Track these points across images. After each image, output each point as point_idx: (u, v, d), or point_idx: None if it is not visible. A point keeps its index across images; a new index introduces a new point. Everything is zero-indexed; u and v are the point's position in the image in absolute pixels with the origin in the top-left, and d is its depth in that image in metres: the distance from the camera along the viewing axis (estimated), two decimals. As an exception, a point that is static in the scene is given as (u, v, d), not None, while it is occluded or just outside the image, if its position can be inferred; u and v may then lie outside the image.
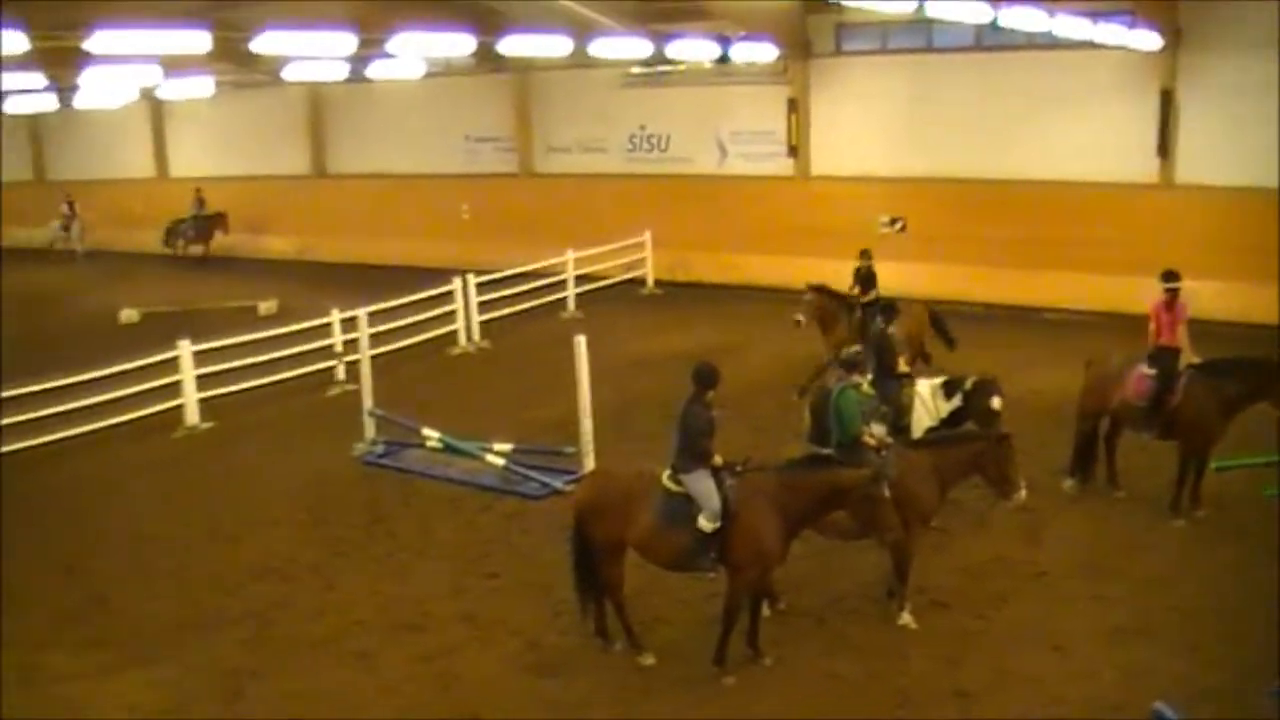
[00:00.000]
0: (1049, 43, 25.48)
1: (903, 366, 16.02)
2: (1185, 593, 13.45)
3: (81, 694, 12.50)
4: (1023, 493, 12.92)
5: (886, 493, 11.76)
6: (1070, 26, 22.38)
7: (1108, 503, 16.16)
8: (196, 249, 41.33)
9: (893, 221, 30.00)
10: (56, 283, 38.22)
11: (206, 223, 40.95)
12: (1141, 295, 17.20)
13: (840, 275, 27.32)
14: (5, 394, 19.65)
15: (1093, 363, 16.64)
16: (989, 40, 28.20)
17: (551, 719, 11.65)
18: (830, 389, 13.58)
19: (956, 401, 15.62)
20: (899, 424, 15.20)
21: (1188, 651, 12.10)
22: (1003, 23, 21.08)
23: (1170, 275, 15.74)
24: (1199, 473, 15.51)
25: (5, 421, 19.43)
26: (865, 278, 21.69)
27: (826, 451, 12.84)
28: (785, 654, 12.48)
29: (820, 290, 21.67)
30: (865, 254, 21.92)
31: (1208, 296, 21.39)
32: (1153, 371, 15.56)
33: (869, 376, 13.81)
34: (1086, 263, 26.70)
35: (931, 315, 21.10)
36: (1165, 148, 26.58)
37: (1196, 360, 15.49)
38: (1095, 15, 23.22)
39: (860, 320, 20.98)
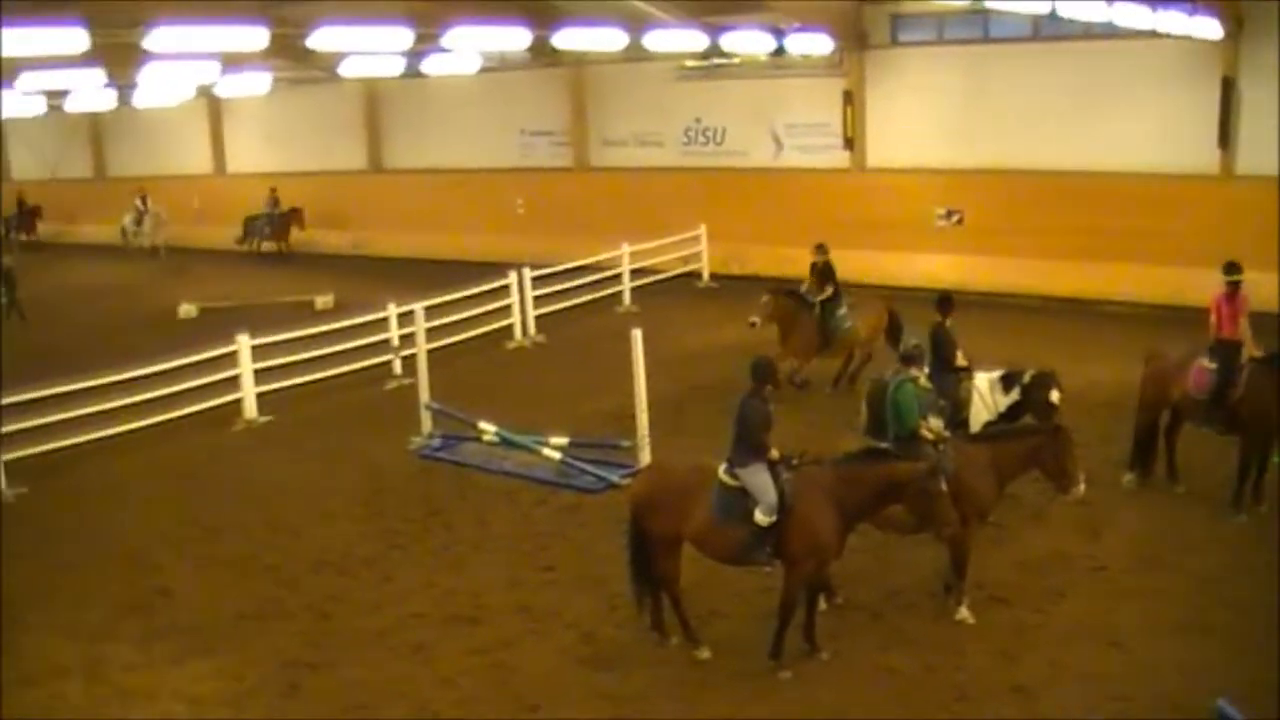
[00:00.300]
0: (1108, 32, 25.18)
1: (960, 360, 15.89)
2: (1247, 589, 13.27)
3: (144, 685, 12.64)
4: (1081, 487, 12.80)
5: (944, 487, 11.71)
6: (1130, 15, 22.10)
7: (1168, 497, 16.00)
8: (271, 245, 41.25)
9: (949, 214, 29.82)
10: (116, 278, 38.61)
11: (282, 219, 40.90)
12: (1202, 287, 17.01)
13: (900, 268, 27.33)
14: (65, 388, 19.88)
15: (1153, 356, 16.44)
16: (1047, 30, 27.96)
17: (608, 713, 11.65)
18: (887, 381, 13.51)
19: (1015, 395, 15.50)
20: (956, 418, 15.11)
21: (1250, 648, 11.94)
22: (1061, 12, 20.87)
23: (1232, 267, 15.56)
24: (1261, 467, 15.32)
25: (66, 415, 19.65)
26: (822, 272, 21.29)
27: (883, 445, 12.77)
28: (842, 648, 12.44)
29: (777, 294, 21.39)
30: (821, 248, 21.51)
31: (1269, 289, 21.14)
32: (1213, 365, 15.38)
33: (926, 370, 13.74)
34: (1146, 254, 26.40)
35: (891, 315, 20.86)
36: (1226, 138, 26.25)
37: (1258, 353, 15.28)
38: (1155, 3, 22.94)
39: (819, 317, 20.91)
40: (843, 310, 21.02)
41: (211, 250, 41.85)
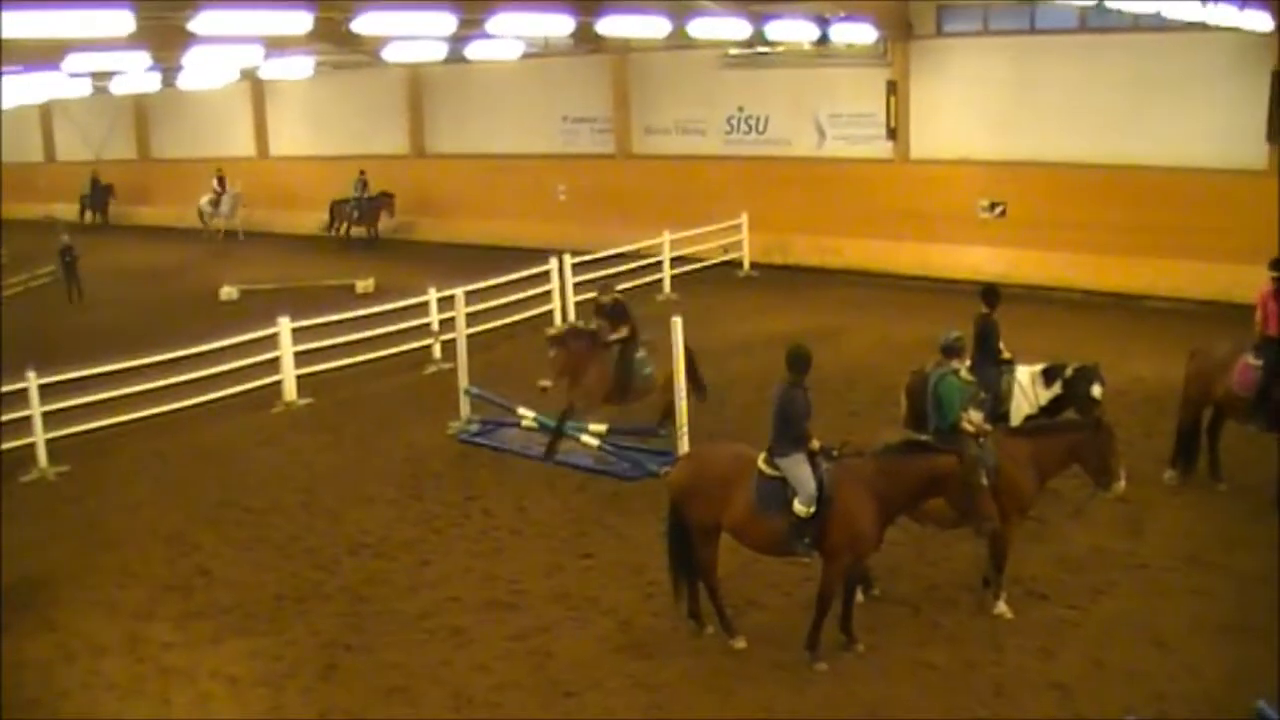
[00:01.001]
0: (1156, 25, 24.98)
1: (1006, 354, 15.79)
2: (1290, 588, 13.17)
3: (182, 663, 12.73)
4: (1122, 483, 12.72)
5: (985, 481, 11.64)
6: (1179, 8, 21.88)
7: (1210, 495, 15.87)
8: (360, 231, 39.66)
9: (993, 206, 29.64)
10: (161, 259, 38.80)
11: (371, 204, 39.34)
12: (1249, 284, 16.85)
13: (943, 260, 27.17)
14: (107, 368, 20.02)
15: (1197, 352, 16.29)
16: (1094, 22, 27.75)
17: (643, 701, 11.65)
18: (928, 374, 13.44)
19: (1057, 389, 15.41)
20: (998, 411, 15.04)
21: (1292, 649, 11.85)
22: (1109, 4, 20.67)
23: (1279, 264, 15.40)
24: (1306, 466, 15.18)
25: (108, 395, 19.78)
26: (612, 313, 18.48)
27: (924, 438, 12.70)
28: (878, 641, 12.41)
29: (563, 340, 18.07)
30: (606, 287, 19.24)
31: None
32: (1259, 362, 15.26)
33: (968, 363, 13.65)
34: (1192, 250, 26.15)
35: (688, 358, 17.89)
36: (1276, 133, 25.89)
37: (1305, 350, 15.14)
38: (1206, -3, 22.71)
39: (616, 361, 18.12)
40: (641, 354, 18.31)
41: (256, 232, 41.98)
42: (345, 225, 39.87)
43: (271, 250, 39.46)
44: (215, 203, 42.18)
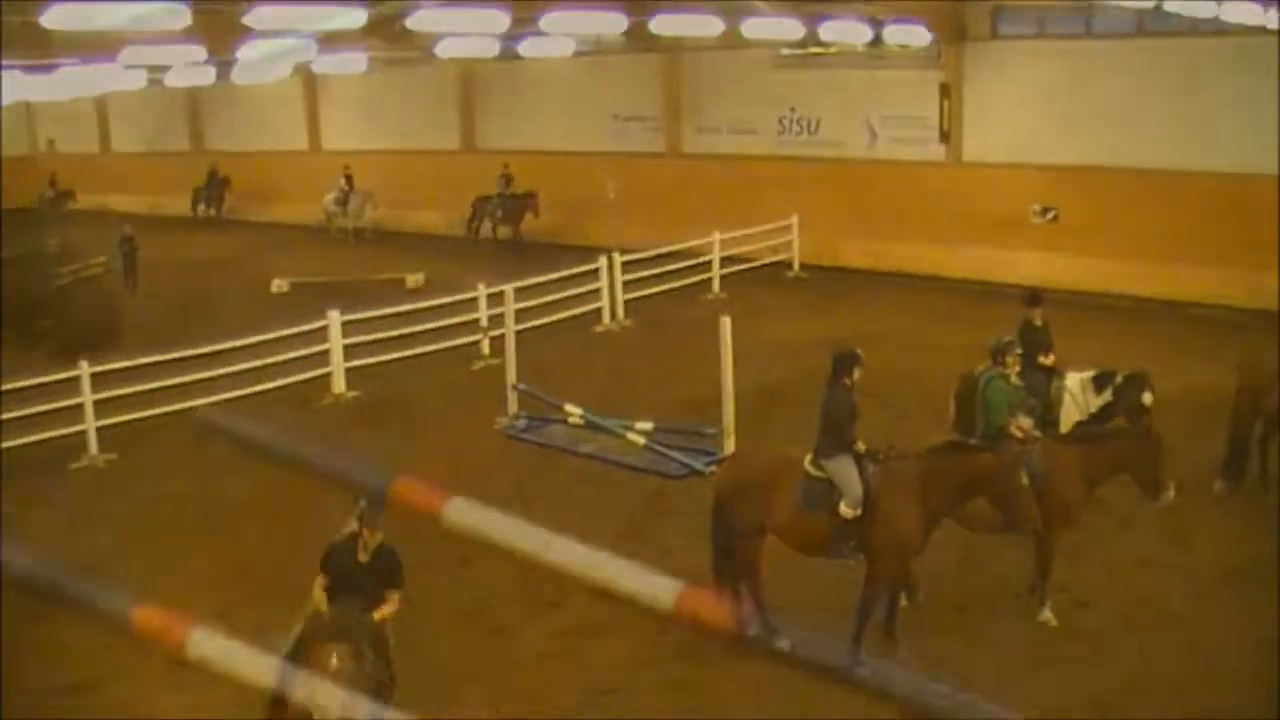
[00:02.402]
0: (1214, 29, 24.70)
1: (1045, 360, 15.62)
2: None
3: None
4: (1171, 493, 12.61)
5: (1025, 480, 11.56)
6: (1240, 12, 21.64)
7: (1258, 506, 15.68)
8: (504, 231, 37.16)
9: (1045, 211, 29.42)
10: (215, 251, 39.01)
11: (515, 202, 36.65)
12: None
13: (994, 264, 26.91)
14: (159, 358, 20.18)
15: (1248, 365, 16.14)
16: (1151, 26, 27.47)
17: (682, 702, 11.64)
18: (977, 377, 13.37)
19: (1107, 396, 15.31)
20: (1047, 417, 14.93)
21: (1341, 663, 11.70)
22: (1168, 7, 20.47)
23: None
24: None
25: (159, 384, 19.95)
26: (379, 563, 11.37)
27: (971, 442, 12.63)
28: (921, 646, 12.33)
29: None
30: (361, 507, 11.08)
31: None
32: (1312, 373, 15.07)
33: (1018, 368, 13.54)
34: (1246, 258, 25.77)
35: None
36: (1335, 139, 25.57)
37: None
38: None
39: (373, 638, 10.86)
40: None
41: (302, 226, 42.11)
42: (489, 225, 37.44)
43: (324, 244, 39.67)
44: (342, 201, 40.28)
